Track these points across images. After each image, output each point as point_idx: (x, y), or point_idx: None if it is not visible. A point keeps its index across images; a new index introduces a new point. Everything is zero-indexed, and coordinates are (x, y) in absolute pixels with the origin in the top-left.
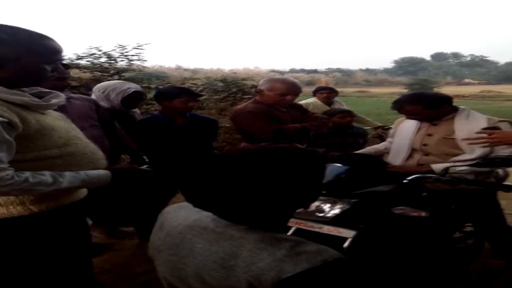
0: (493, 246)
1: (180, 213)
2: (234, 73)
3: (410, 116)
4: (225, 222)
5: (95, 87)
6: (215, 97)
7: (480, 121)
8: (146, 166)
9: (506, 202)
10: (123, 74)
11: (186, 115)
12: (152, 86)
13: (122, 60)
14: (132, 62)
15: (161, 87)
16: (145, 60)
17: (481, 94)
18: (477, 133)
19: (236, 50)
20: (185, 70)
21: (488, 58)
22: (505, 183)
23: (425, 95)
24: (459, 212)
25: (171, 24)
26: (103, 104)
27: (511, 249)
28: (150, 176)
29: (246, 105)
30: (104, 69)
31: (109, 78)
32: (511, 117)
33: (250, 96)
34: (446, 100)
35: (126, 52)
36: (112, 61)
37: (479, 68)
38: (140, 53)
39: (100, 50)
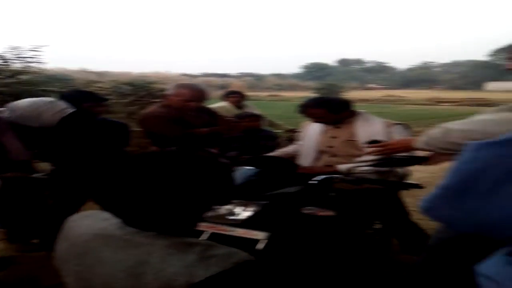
0: (401, 242)
1: (85, 222)
2: (143, 76)
3: (315, 119)
4: (132, 230)
5: (17, 105)
6: (123, 101)
7: (377, 124)
8: (41, 174)
9: (411, 199)
10: (19, 76)
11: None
12: (54, 89)
13: (17, 62)
14: (30, 64)
15: (65, 91)
16: (45, 62)
17: (384, 98)
18: (369, 147)
19: (147, 53)
20: (91, 73)
21: (388, 65)
22: (407, 181)
23: (328, 99)
24: (366, 211)
25: (76, 25)
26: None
27: (418, 244)
28: (44, 184)
29: (153, 109)
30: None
31: (5, 80)
32: (413, 119)
33: (160, 100)
34: (347, 104)
35: (21, 54)
36: (5, 64)
37: (381, 73)
38: (37, 55)
39: None
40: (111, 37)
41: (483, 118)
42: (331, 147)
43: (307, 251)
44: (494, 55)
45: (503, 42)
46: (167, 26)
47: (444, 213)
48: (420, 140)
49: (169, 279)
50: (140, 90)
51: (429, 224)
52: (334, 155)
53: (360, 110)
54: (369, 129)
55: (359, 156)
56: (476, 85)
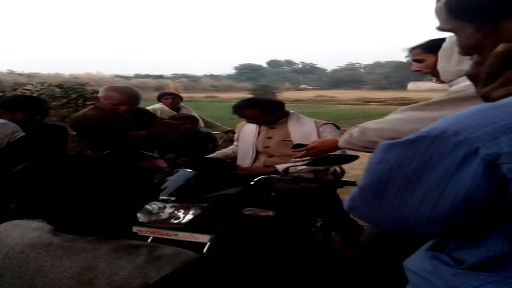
0: (343, 238)
1: (14, 232)
2: (75, 78)
3: (250, 120)
4: (70, 236)
5: None
6: (54, 103)
7: (308, 124)
8: None
9: (348, 196)
10: None
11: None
12: None
13: None
14: None
15: (2, 96)
16: None
17: (316, 98)
18: (295, 151)
19: (77, 54)
20: (20, 75)
21: (317, 66)
22: (343, 179)
23: (261, 100)
24: (306, 209)
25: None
26: None
27: (357, 239)
28: None
29: (85, 112)
30: None
31: None
32: (345, 119)
33: (93, 102)
34: (280, 105)
35: None
36: None
37: (311, 74)
38: None
39: None
40: (39, 37)
41: (394, 117)
42: (267, 147)
43: (250, 251)
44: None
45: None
46: (99, 26)
47: (366, 212)
48: (342, 140)
49: (122, 282)
50: (72, 92)
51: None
52: (271, 155)
53: (291, 111)
54: (301, 128)
55: (295, 155)
56: (399, 85)
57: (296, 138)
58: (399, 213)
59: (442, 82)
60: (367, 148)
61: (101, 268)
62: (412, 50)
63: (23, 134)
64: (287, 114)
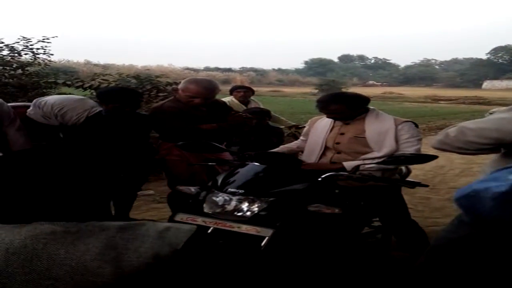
0: (399, 239)
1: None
2: (147, 69)
3: (333, 115)
4: (70, 223)
5: (43, 102)
6: None
7: (387, 121)
8: None
9: (408, 197)
10: (27, 68)
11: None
12: (59, 81)
13: (26, 54)
14: (37, 56)
15: (102, 88)
16: (52, 54)
17: (383, 95)
18: None
19: (149, 46)
20: (95, 65)
21: (390, 61)
22: (408, 179)
23: (348, 95)
24: (368, 208)
25: (79, 17)
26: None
27: (415, 242)
28: None
29: (163, 103)
30: (6, 63)
31: (12, 72)
32: (409, 116)
33: (166, 93)
34: (366, 101)
35: (30, 45)
36: (15, 54)
37: (382, 70)
38: (46, 47)
39: (1, 42)
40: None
41: (498, 117)
42: (338, 143)
43: (312, 248)
44: (492, 53)
45: (502, 40)
46: (169, 19)
47: (489, 206)
48: (436, 140)
49: (154, 252)
50: (146, 84)
51: (426, 223)
52: (340, 152)
53: (371, 107)
54: (378, 125)
55: (365, 153)
56: (474, 83)
57: (371, 135)
58: None
59: None
60: (463, 149)
61: (121, 244)
62: None
63: (100, 109)
64: (367, 110)
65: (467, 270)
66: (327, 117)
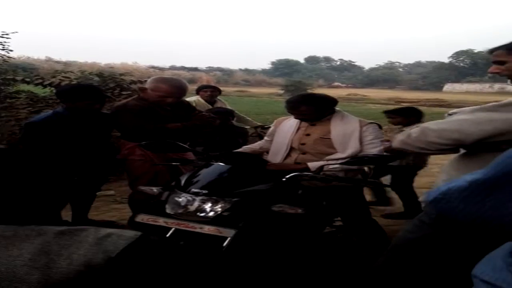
0: (360, 238)
1: None
2: (111, 67)
3: (302, 116)
4: (9, 226)
5: None
6: None
7: (352, 123)
8: None
9: (370, 197)
10: None
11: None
12: (18, 78)
13: None
14: None
15: (62, 85)
16: (11, 50)
17: (348, 96)
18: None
19: (113, 43)
20: (57, 62)
21: (355, 63)
22: (371, 179)
23: (317, 96)
24: (330, 208)
25: (41, 12)
26: None
27: (376, 241)
28: None
29: (127, 102)
30: None
31: None
32: (373, 118)
33: (129, 92)
34: (334, 103)
35: None
36: None
37: (348, 72)
38: (5, 42)
39: None
40: (77, 27)
41: (459, 118)
42: (303, 144)
43: (274, 248)
44: (454, 57)
45: (463, 45)
46: (133, 17)
47: (458, 206)
48: (397, 140)
49: (85, 259)
50: (110, 82)
51: (387, 222)
52: (305, 153)
53: (337, 109)
54: (343, 127)
55: (329, 154)
56: (436, 86)
57: (336, 136)
58: (502, 209)
59: None
60: (424, 149)
61: (54, 250)
62: (495, 50)
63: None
64: (333, 112)
65: (426, 270)
66: (295, 117)
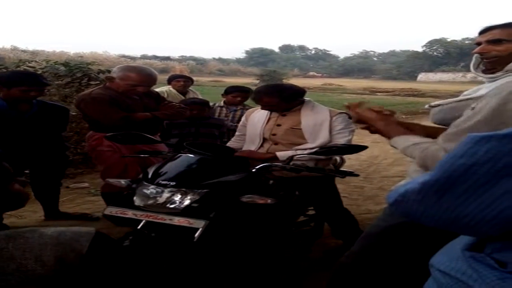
0: (333, 227)
1: None
2: (81, 57)
3: (267, 107)
4: None
5: None
6: (57, 82)
7: (323, 113)
8: None
9: (343, 186)
10: None
11: (33, 102)
12: None
13: None
14: None
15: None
16: None
17: (323, 86)
18: None
19: (83, 32)
20: (23, 51)
21: (330, 52)
22: (342, 169)
23: (283, 87)
24: (302, 197)
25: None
26: None
27: (348, 229)
28: None
29: (91, 91)
30: None
31: None
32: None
33: (98, 82)
34: (301, 94)
35: None
36: None
37: (323, 61)
38: None
39: None
40: (47, 16)
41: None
42: (274, 135)
43: (245, 238)
44: (428, 46)
45: (437, 34)
46: (105, 6)
47: (415, 207)
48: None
49: (53, 258)
50: (77, 72)
51: (359, 210)
52: (277, 143)
53: (307, 98)
54: (313, 117)
55: (301, 144)
56: (410, 75)
57: (307, 126)
58: (457, 211)
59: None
60: None
61: (18, 255)
62: (488, 30)
63: None
64: (302, 102)
65: (398, 257)
66: (262, 108)
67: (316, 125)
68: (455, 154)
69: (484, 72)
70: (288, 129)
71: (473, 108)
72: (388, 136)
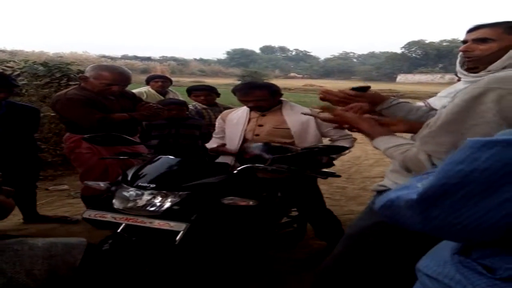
0: (316, 228)
1: None
2: (60, 57)
3: (255, 102)
4: None
5: None
6: (36, 82)
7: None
8: None
9: (326, 187)
10: None
11: (1, 103)
12: None
13: None
14: None
15: None
16: None
17: (305, 87)
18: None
19: (63, 32)
20: (1, 51)
21: (310, 53)
22: (324, 170)
23: (268, 83)
24: (285, 199)
25: None
26: None
27: (331, 230)
28: None
29: (66, 91)
30: None
31: None
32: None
33: (77, 82)
34: (280, 92)
35: None
36: None
37: (303, 62)
38: None
39: None
40: (23, 14)
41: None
42: (257, 135)
43: (226, 241)
44: (407, 47)
45: (416, 36)
46: (85, 5)
47: (403, 214)
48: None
49: (46, 272)
50: (56, 71)
51: (342, 211)
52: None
53: (283, 99)
54: (297, 116)
55: (284, 143)
56: (389, 76)
57: (294, 126)
58: (452, 217)
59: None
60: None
61: (8, 269)
62: (476, 29)
63: None
64: (280, 102)
65: (380, 256)
66: (248, 106)
67: (303, 124)
68: (454, 160)
69: (467, 71)
70: (271, 128)
71: (444, 107)
72: (371, 137)
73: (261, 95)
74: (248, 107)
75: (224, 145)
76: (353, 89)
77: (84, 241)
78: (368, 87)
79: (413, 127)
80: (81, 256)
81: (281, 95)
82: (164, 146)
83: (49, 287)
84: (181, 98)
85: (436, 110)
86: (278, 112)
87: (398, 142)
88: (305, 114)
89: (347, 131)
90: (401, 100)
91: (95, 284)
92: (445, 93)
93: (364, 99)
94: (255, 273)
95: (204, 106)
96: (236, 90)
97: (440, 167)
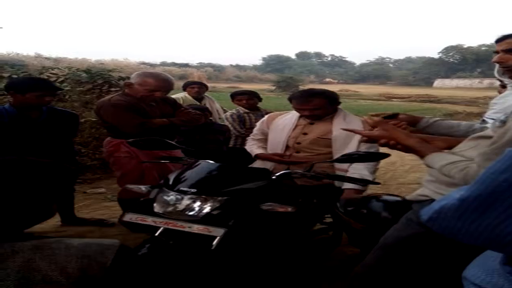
0: (350, 235)
1: None
2: (102, 64)
3: (312, 110)
4: None
5: None
6: (79, 88)
7: (355, 123)
8: None
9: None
10: None
11: (42, 109)
12: (5, 75)
13: None
14: None
15: (15, 76)
16: None
17: (340, 92)
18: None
19: (104, 40)
20: (46, 58)
21: (346, 59)
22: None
23: (326, 90)
24: (320, 205)
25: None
26: None
27: (365, 237)
28: None
29: (110, 97)
30: None
31: None
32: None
33: (118, 88)
34: (338, 99)
35: None
36: None
37: (339, 68)
38: None
39: None
40: (69, 24)
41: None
42: (298, 143)
43: (264, 247)
44: (444, 52)
45: (453, 40)
46: (126, 15)
47: (452, 225)
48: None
49: (82, 269)
50: (98, 78)
51: None
52: (299, 151)
53: (339, 107)
54: (346, 127)
55: (325, 153)
56: (426, 81)
57: (338, 136)
58: (499, 228)
59: None
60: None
61: (44, 266)
62: (505, 38)
63: None
64: (335, 110)
65: (416, 268)
66: (302, 114)
67: (349, 136)
68: (497, 169)
69: (510, 78)
70: (315, 138)
71: (504, 123)
72: (421, 154)
73: (319, 104)
74: (302, 115)
75: (278, 154)
76: (385, 118)
77: (117, 242)
78: (397, 114)
79: (451, 144)
80: (112, 256)
81: (339, 103)
82: (190, 152)
83: (80, 285)
84: (217, 104)
85: (487, 123)
86: (328, 121)
87: (453, 159)
88: (345, 130)
89: (376, 145)
90: (437, 118)
91: (126, 285)
92: (499, 106)
93: (399, 123)
94: (290, 280)
95: (246, 110)
96: (293, 98)
97: (482, 176)
